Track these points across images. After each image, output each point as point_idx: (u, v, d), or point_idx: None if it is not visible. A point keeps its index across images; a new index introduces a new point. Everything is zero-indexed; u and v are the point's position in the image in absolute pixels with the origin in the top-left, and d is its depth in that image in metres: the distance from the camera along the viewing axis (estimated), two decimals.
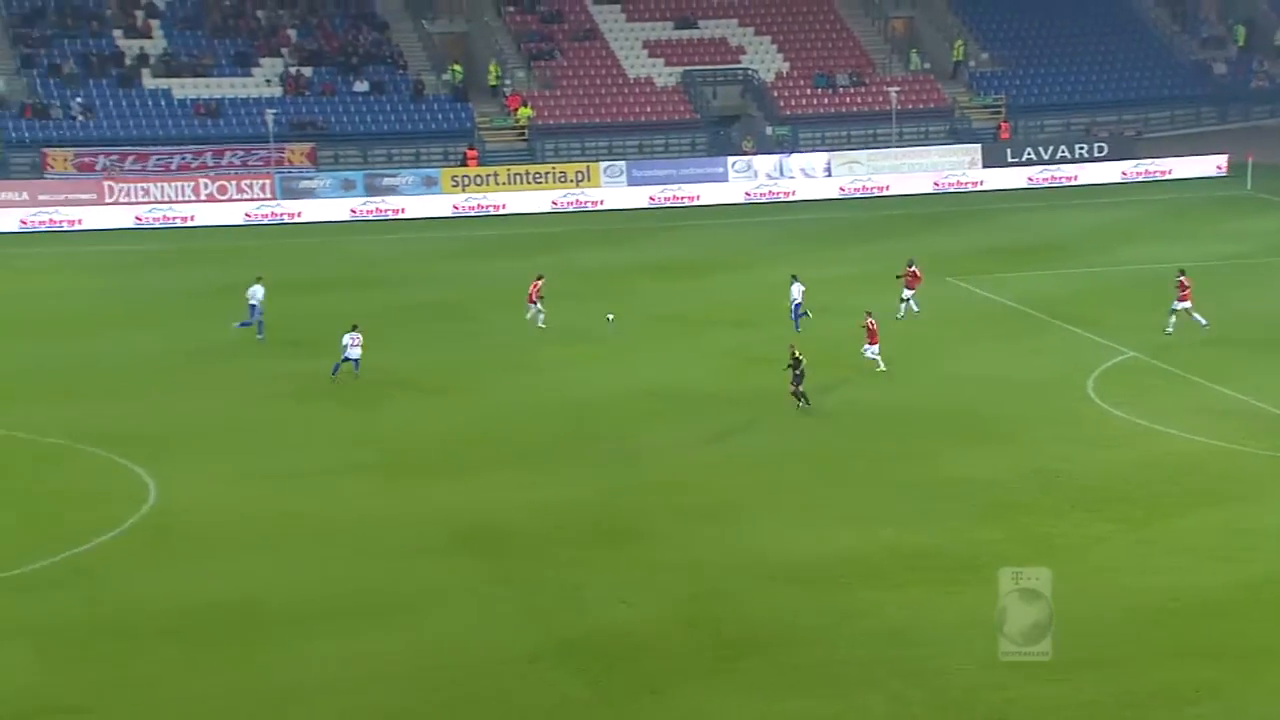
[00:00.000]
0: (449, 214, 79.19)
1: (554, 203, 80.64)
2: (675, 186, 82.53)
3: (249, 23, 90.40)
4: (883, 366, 46.22)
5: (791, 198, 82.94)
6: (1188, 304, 50.51)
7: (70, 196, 77.60)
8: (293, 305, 57.20)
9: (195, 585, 31.51)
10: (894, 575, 31.32)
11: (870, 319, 46.45)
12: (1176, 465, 38.09)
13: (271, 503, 36.41)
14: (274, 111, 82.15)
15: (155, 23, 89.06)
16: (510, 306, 54.98)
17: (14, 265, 68.25)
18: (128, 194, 78.21)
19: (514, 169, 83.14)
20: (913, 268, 53.44)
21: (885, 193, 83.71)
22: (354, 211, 78.67)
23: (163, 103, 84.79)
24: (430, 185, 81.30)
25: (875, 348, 46.39)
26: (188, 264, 67.80)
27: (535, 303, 53.04)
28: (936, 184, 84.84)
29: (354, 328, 46.81)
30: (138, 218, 76.71)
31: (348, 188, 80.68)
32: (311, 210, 78.39)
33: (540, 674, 27.42)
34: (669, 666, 27.60)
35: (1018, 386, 45.53)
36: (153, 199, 77.95)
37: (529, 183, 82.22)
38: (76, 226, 75.61)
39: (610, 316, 51.12)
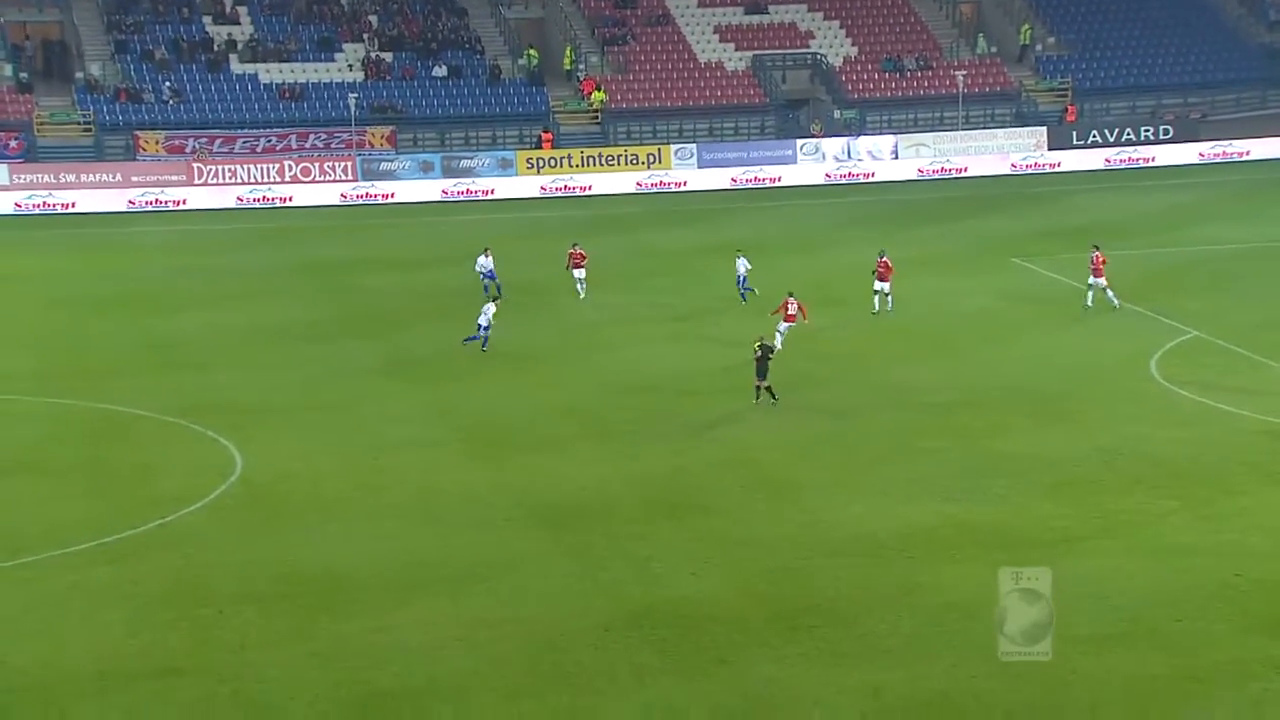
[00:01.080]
0: (536, 195, 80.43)
1: (638, 184, 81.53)
2: (756, 168, 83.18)
3: (332, 9, 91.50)
4: (779, 345, 45.05)
5: (871, 179, 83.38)
6: (1102, 280, 51.05)
7: (161, 178, 79.29)
8: (381, 282, 58.42)
9: (280, 554, 32.24)
10: (959, 550, 31.51)
11: (790, 298, 46.93)
12: (1240, 443, 38.16)
13: (352, 475, 37.15)
14: (355, 95, 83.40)
15: (243, 9, 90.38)
16: (589, 285, 55.75)
17: (118, 243, 69.57)
18: (216, 175, 79.74)
19: (587, 151, 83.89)
20: (884, 259, 52.77)
21: (963, 174, 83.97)
22: (445, 193, 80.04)
23: (249, 87, 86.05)
24: (506, 167, 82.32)
25: (786, 326, 46.50)
26: (282, 243, 69.13)
27: (578, 269, 54.60)
28: (1014, 166, 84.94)
29: (494, 300, 49.72)
30: (239, 198, 78.29)
31: (426, 169, 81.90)
32: (403, 191, 79.82)
33: (612, 643, 27.82)
34: (737, 637, 27.92)
35: (1082, 366, 45.72)
36: (239, 180, 79.56)
37: (602, 165, 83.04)
38: (181, 207, 77.29)
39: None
